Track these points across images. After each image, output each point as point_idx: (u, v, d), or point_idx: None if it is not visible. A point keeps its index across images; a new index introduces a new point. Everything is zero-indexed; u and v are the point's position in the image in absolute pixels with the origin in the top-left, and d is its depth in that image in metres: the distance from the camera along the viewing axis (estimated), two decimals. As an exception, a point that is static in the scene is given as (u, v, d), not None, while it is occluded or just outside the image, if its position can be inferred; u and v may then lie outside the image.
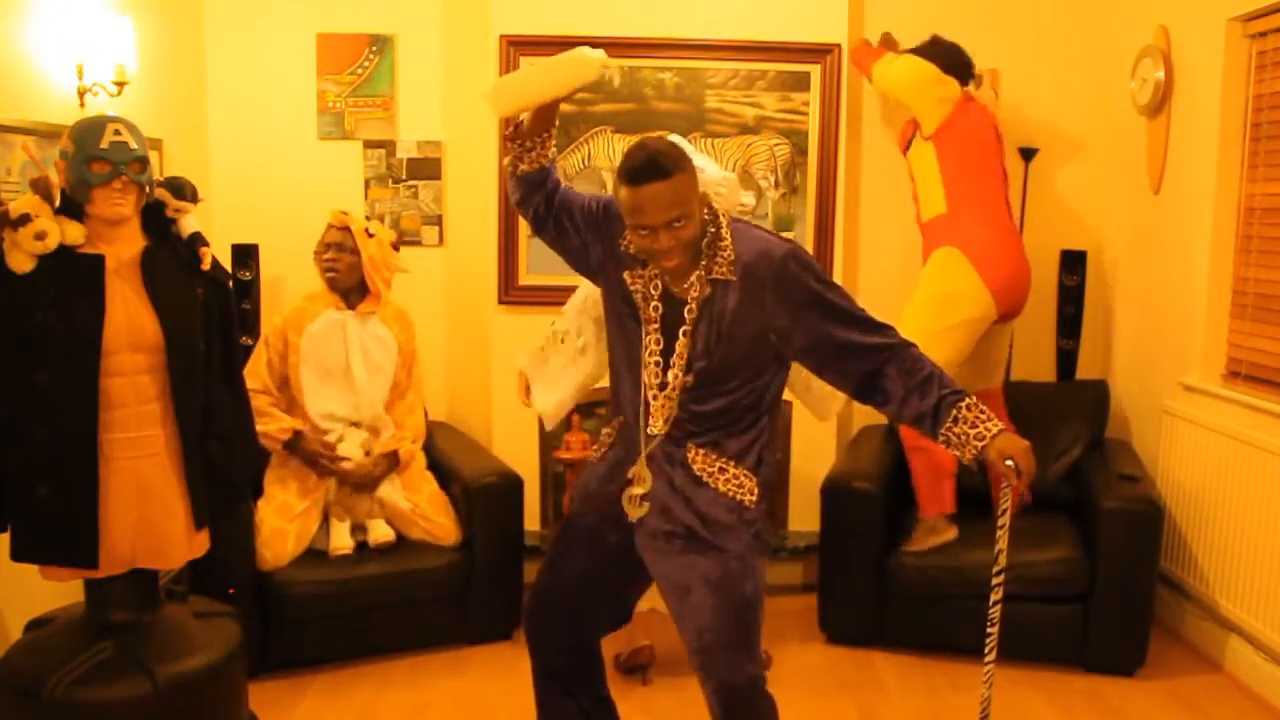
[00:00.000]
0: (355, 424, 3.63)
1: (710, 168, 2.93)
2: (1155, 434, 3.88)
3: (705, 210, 2.19)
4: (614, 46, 4.02)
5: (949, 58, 3.74)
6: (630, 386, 2.29)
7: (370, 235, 3.66)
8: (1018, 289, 3.68)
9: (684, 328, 2.20)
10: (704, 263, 2.18)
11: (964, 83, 3.75)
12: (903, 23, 4.19)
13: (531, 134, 2.26)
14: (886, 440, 3.95)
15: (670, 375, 2.21)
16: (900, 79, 3.79)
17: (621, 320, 2.30)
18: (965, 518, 3.61)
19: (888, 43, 4.02)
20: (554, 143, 2.31)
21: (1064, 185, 4.11)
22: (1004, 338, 3.87)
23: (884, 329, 2.19)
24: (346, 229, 3.64)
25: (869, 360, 2.16)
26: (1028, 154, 4.20)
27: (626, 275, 2.26)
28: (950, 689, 3.37)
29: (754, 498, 2.26)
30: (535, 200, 2.32)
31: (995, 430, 2.08)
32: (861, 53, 4.02)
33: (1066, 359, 4.25)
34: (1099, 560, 3.40)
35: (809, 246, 4.09)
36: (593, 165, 4.12)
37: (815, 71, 4.07)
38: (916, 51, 3.81)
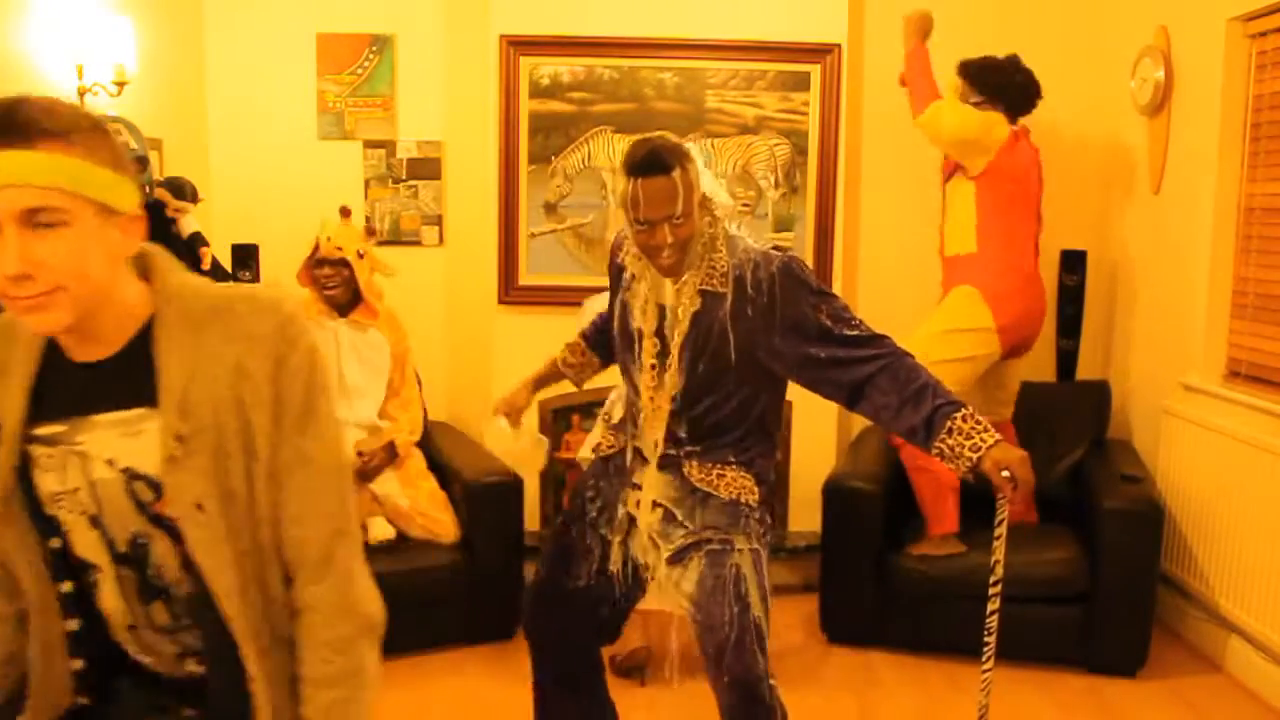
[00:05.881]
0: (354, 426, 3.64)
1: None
2: (1156, 434, 3.88)
3: (706, 215, 2.18)
4: (614, 46, 4.06)
5: (1007, 93, 3.64)
6: (631, 392, 2.31)
7: (361, 256, 3.67)
8: (1027, 329, 3.68)
9: (674, 337, 2.20)
10: (697, 272, 2.17)
11: (1020, 113, 3.68)
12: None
13: (568, 375, 2.63)
14: (887, 441, 3.95)
15: (662, 383, 2.22)
16: (949, 134, 3.58)
17: (625, 335, 2.32)
18: (968, 518, 3.60)
19: (924, 22, 3.69)
20: (586, 366, 2.63)
21: (1064, 185, 4.10)
22: (1014, 371, 3.86)
23: (877, 340, 2.14)
24: (343, 261, 3.62)
25: (860, 371, 2.11)
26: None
27: (624, 294, 2.30)
28: (950, 689, 3.37)
29: (755, 496, 2.26)
30: (598, 350, 2.63)
31: (991, 441, 2.02)
32: (915, 70, 3.66)
33: (1066, 359, 4.25)
34: (1100, 561, 3.40)
35: (809, 247, 4.09)
36: (593, 165, 4.12)
37: (815, 71, 4.06)
38: (976, 70, 3.66)
